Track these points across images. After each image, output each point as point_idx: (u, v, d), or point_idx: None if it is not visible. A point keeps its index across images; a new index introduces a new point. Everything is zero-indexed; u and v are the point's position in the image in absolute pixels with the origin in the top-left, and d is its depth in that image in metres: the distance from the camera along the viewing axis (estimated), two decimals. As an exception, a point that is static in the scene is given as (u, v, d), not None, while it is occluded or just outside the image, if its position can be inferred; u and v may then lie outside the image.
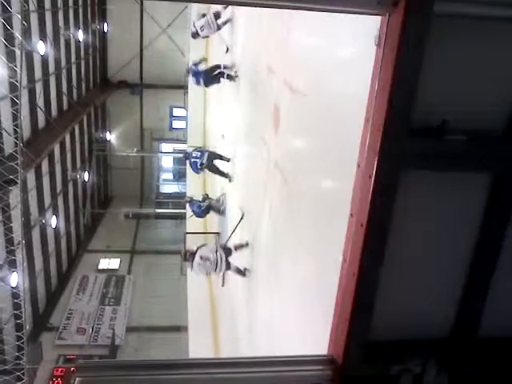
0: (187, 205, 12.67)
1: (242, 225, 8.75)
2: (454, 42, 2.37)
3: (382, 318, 2.78)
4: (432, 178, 2.56)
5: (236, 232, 9.23)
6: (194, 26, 11.14)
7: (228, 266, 8.07)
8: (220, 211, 11.61)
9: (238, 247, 8.26)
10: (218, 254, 8.03)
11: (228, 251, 8.22)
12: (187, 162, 11.80)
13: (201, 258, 8.02)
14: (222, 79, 10.74)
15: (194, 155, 11.10)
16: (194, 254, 8.09)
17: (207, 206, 11.68)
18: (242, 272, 8.00)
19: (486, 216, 2.68)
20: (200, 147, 13.35)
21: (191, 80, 12.02)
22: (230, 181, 10.74)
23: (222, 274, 10.61)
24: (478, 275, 2.77)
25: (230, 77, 10.46)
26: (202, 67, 11.62)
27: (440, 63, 2.38)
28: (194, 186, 16.47)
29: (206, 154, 10.99)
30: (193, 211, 12.00)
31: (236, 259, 8.14)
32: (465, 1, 2.28)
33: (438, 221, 2.67)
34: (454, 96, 2.48)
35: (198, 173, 12.15)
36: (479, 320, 2.89)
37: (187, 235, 14.44)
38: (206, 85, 11.38)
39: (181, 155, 15.38)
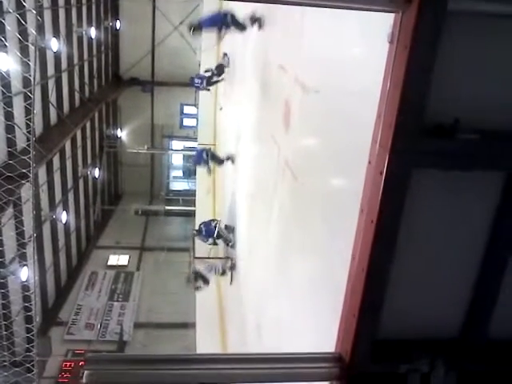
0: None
1: (251, 220, 8.75)
2: (468, 39, 2.35)
3: (391, 316, 2.77)
4: (444, 177, 2.54)
5: (245, 228, 9.25)
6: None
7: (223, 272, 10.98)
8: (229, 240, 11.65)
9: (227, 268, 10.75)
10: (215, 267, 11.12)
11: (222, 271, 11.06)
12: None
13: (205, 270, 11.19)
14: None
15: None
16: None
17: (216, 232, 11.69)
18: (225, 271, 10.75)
19: (498, 216, 2.65)
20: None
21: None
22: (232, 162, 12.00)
23: (230, 274, 10.77)
24: (489, 275, 2.75)
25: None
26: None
27: (453, 61, 2.37)
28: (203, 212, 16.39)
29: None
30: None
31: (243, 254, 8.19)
32: (479, -2, 2.27)
33: (450, 220, 2.66)
34: (467, 94, 2.46)
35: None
36: (489, 321, 2.87)
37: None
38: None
39: (191, 152, 16.71)
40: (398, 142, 2.39)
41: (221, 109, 12.42)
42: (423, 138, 2.42)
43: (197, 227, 12.36)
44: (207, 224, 11.75)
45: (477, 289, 2.80)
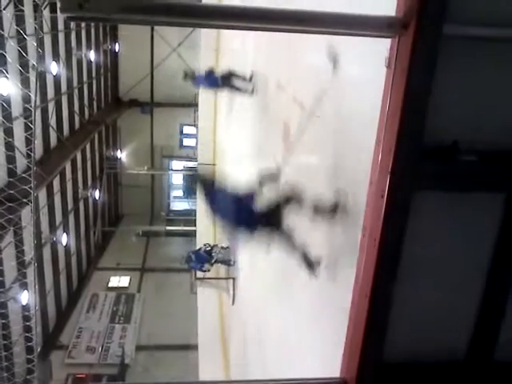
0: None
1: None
2: (465, 63, 2.38)
3: (396, 341, 2.74)
4: (444, 199, 2.54)
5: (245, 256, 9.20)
6: None
7: None
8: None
9: None
10: None
11: None
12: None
13: None
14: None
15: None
16: None
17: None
18: None
19: (500, 236, 2.64)
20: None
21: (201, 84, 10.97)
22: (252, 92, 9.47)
23: (231, 293, 10.59)
24: (493, 297, 2.73)
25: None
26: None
27: (451, 84, 2.39)
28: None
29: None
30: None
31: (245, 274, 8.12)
32: (474, 23, 2.29)
33: (452, 241, 2.64)
34: (466, 117, 2.48)
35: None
36: (494, 344, 2.84)
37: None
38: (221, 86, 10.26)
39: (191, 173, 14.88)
40: (398, 165, 2.40)
41: None
42: (423, 161, 2.43)
43: (196, 248, 12.09)
44: (196, 251, 11.29)
45: (481, 311, 2.78)
